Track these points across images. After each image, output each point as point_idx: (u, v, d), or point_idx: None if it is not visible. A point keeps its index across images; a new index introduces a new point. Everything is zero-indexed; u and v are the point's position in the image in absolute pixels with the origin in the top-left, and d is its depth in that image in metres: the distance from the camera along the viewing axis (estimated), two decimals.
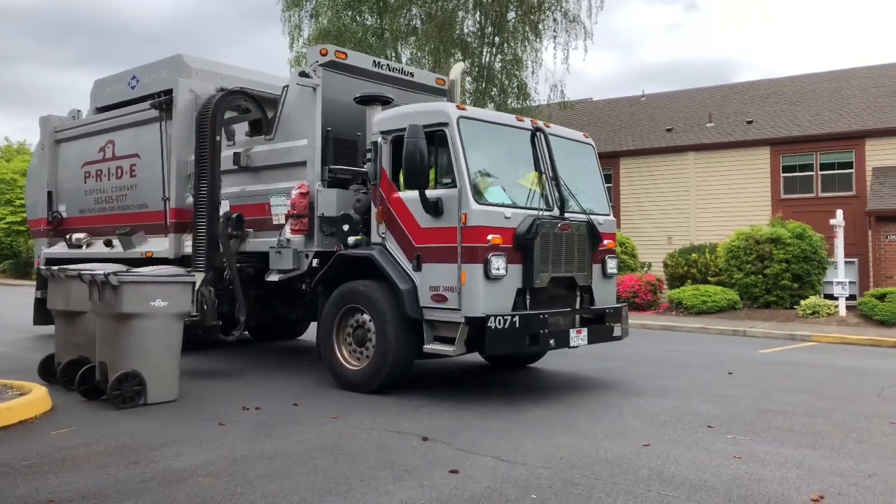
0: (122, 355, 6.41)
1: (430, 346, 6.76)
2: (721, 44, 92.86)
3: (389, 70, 8.82)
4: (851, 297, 16.76)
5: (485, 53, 24.96)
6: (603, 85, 71.56)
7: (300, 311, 8.79)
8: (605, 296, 7.73)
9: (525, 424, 5.89)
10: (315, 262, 7.75)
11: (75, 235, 10.93)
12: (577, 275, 7.27)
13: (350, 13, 25.44)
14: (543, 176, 7.22)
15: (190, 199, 9.18)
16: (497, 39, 24.55)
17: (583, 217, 7.37)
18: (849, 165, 21.42)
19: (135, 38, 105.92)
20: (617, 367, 9.20)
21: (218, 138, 8.51)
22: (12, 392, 6.45)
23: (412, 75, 9.15)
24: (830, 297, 16.40)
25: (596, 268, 7.58)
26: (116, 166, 10.52)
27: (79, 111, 11.90)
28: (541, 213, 6.90)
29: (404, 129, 6.75)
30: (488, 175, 6.97)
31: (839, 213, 16.25)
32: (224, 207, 8.66)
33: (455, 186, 6.63)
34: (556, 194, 7.16)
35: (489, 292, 6.49)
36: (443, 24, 23.39)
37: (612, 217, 8.08)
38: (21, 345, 10.80)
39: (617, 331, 7.64)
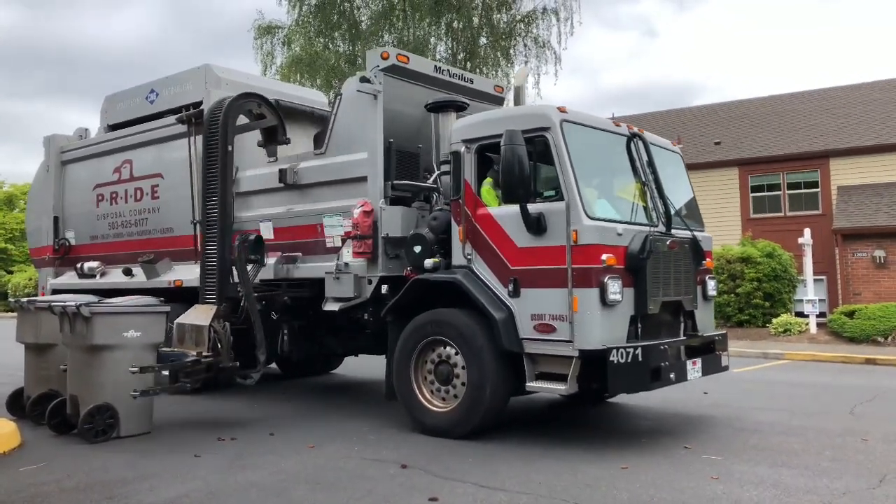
0: (94, 388, 6.30)
1: (534, 385, 5.95)
2: (681, 68, 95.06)
3: (450, 76, 8.12)
4: (821, 315, 17.06)
5: None
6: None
7: (355, 343, 8.09)
8: (705, 320, 7.00)
9: (504, 449, 5.87)
10: (384, 288, 6.98)
11: (87, 264, 10.01)
12: (684, 298, 6.56)
13: (322, 40, 25.64)
14: (645, 187, 6.57)
15: None
16: (469, 65, 24.84)
17: (686, 233, 6.71)
18: (815, 185, 21.91)
19: (100, 69, 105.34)
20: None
21: (229, 148, 7.70)
22: None
23: (472, 82, 8.43)
24: (801, 314, 16.68)
25: (697, 290, 6.88)
26: (135, 187, 9.66)
27: (86, 130, 11.07)
28: (650, 229, 6.26)
29: (493, 137, 6.19)
30: (593, 186, 6.28)
31: (807, 231, 16.61)
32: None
33: (560, 199, 5.89)
34: (662, 208, 6.50)
35: (605, 321, 5.73)
36: (415, 50, 23.61)
37: (707, 233, 7.39)
38: None
39: (724, 360, 6.91)
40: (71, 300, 6.73)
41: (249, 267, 7.44)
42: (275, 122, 8.09)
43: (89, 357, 6.34)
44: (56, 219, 10.85)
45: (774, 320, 16.29)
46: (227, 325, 7.22)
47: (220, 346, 7.07)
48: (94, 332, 6.28)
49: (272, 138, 8.11)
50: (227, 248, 7.46)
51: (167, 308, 6.88)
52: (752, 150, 23.06)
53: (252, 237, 7.49)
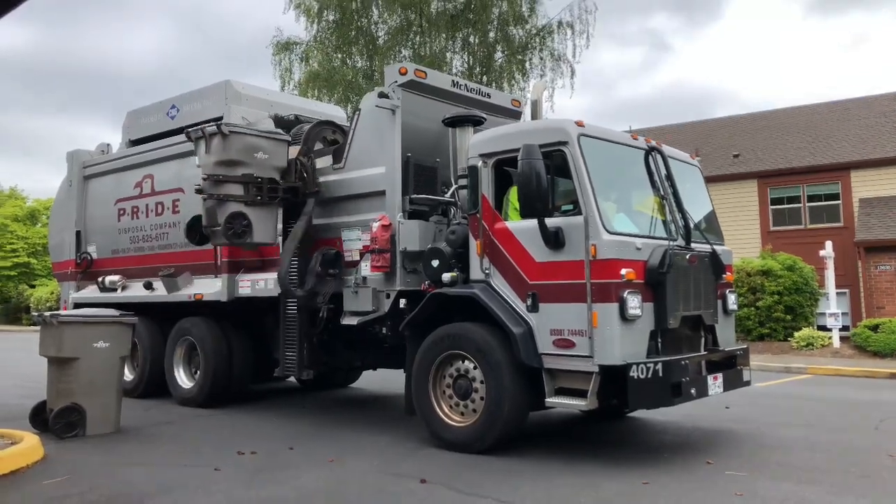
0: None
1: (554, 400, 5.92)
2: (696, 81, 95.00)
3: (467, 90, 8.16)
4: (844, 328, 16.84)
5: None
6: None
7: (374, 357, 8.15)
8: (726, 335, 6.91)
9: (523, 463, 5.84)
10: (402, 302, 7.00)
11: (109, 278, 10.12)
12: (704, 312, 6.48)
13: (340, 56, 25.87)
14: (664, 201, 6.53)
15: None
16: (485, 79, 24.93)
17: (706, 247, 6.65)
18: (836, 197, 21.69)
19: (122, 85, 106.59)
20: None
21: (317, 184, 7.90)
22: (3, 441, 6.34)
23: (489, 96, 8.47)
24: (823, 328, 16.47)
25: (718, 304, 6.80)
26: (156, 202, 9.78)
27: (108, 145, 11.24)
28: (670, 243, 6.20)
29: (510, 151, 6.22)
30: (611, 201, 6.28)
31: (828, 244, 16.41)
32: None
33: (578, 214, 5.88)
34: (681, 222, 6.45)
35: (625, 336, 5.68)
36: (432, 64, 23.75)
37: (727, 247, 7.35)
38: (11, 391, 10.65)
39: (746, 375, 6.84)
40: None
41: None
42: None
43: None
44: (78, 233, 10.96)
45: (797, 334, 16.09)
46: (313, 158, 7.76)
47: (305, 175, 7.72)
48: None
49: (340, 157, 8.18)
50: (308, 260, 7.68)
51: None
52: (772, 163, 22.90)
53: (332, 251, 7.62)
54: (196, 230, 7.86)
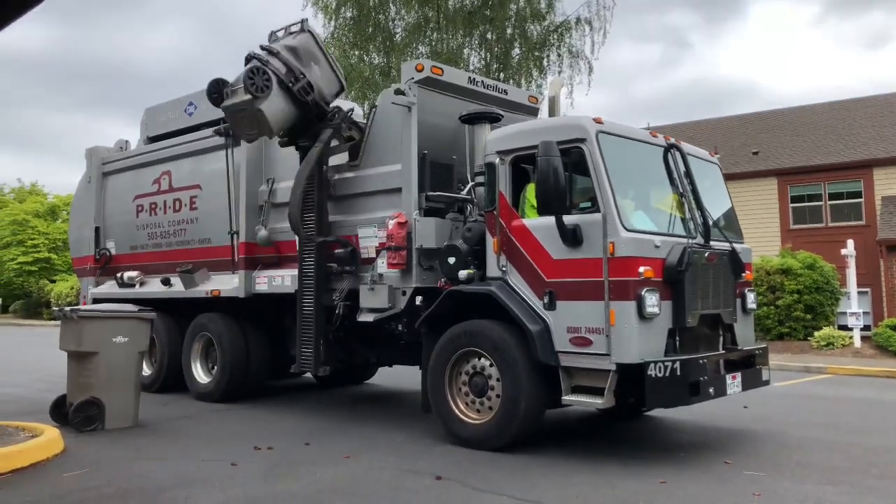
0: None
1: (571, 398, 5.90)
2: (715, 77, 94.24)
3: (484, 87, 8.13)
4: (866, 328, 16.63)
5: None
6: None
7: (390, 354, 8.21)
8: (745, 334, 6.86)
9: (540, 461, 5.82)
10: (419, 299, 7.00)
11: (127, 274, 10.21)
12: (723, 311, 6.44)
13: (357, 52, 25.86)
14: (683, 199, 6.51)
15: (263, 233, 8.57)
16: (502, 76, 24.85)
17: (725, 245, 6.58)
18: (858, 195, 21.43)
19: (140, 82, 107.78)
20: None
21: (325, 167, 7.96)
22: (24, 434, 6.43)
23: (506, 93, 8.41)
24: (844, 327, 16.28)
25: (736, 302, 6.73)
26: (174, 198, 9.84)
27: (126, 142, 11.34)
28: (689, 241, 6.16)
29: (528, 148, 6.23)
30: (629, 198, 6.23)
31: (850, 242, 16.22)
32: None
33: (596, 211, 5.86)
34: (700, 220, 6.41)
35: (643, 334, 5.66)
36: (449, 61, 23.73)
37: (747, 245, 7.26)
38: (32, 385, 10.80)
39: (765, 374, 6.80)
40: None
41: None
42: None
43: None
44: (97, 229, 11.02)
45: (817, 333, 15.92)
46: (353, 111, 8.15)
47: (336, 116, 7.96)
48: None
49: (355, 156, 8.24)
50: (323, 258, 7.68)
51: None
52: (792, 160, 22.66)
53: (349, 248, 7.62)
54: (217, 90, 7.79)
